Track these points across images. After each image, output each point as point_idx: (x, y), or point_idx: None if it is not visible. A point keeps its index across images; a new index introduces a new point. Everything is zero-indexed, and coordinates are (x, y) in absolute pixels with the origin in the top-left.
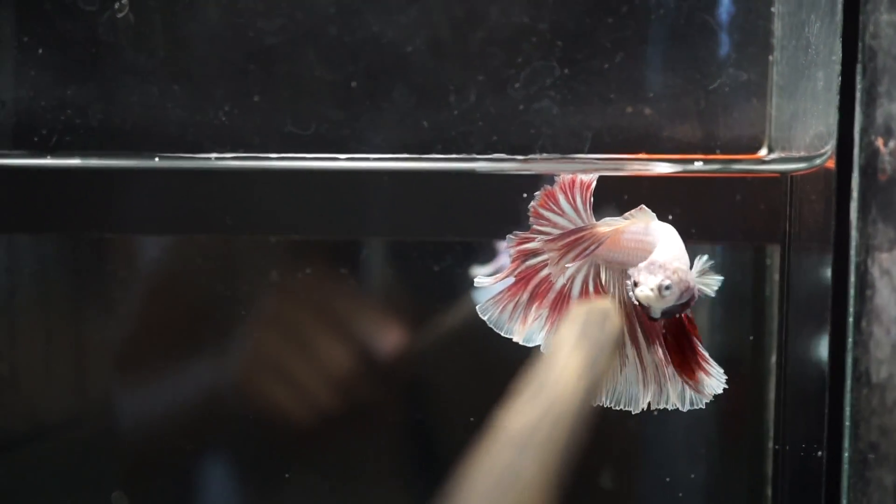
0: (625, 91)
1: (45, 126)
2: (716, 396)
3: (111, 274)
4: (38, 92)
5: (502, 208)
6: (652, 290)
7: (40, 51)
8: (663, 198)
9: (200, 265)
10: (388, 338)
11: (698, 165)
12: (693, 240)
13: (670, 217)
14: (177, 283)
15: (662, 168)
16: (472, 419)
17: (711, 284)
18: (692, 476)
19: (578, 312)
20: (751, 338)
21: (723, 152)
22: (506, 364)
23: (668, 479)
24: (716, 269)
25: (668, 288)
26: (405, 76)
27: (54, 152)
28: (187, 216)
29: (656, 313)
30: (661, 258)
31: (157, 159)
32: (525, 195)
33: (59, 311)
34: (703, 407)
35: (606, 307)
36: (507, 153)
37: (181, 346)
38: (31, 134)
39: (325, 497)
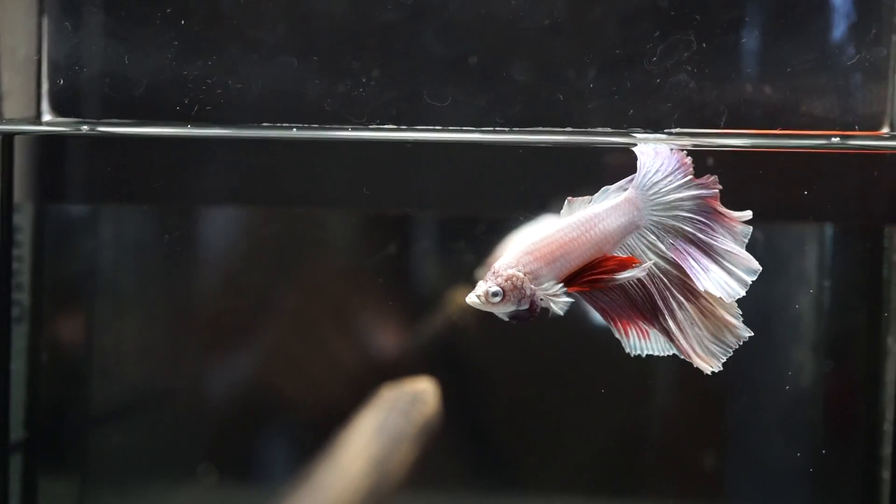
0: (756, 67)
1: (187, 96)
2: (826, 378)
3: (232, 245)
4: (180, 63)
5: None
6: (479, 296)
7: (182, 22)
8: (785, 175)
9: (324, 237)
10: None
11: (832, 141)
12: (807, 219)
13: (806, 193)
14: (302, 255)
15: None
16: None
17: (559, 304)
18: (802, 457)
19: (386, 398)
20: (871, 317)
21: (844, 131)
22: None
23: (775, 461)
24: (830, 249)
25: (495, 295)
26: (538, 50)
27: (194, 122)
28: (322, 187)
29: (504, 317)
30: (499, 264)
31: (294, 130)
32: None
33: (173, 283)
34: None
35: (420, 389)
36: (643, 128)
37: (297, 318)
38: (173, 104)
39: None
